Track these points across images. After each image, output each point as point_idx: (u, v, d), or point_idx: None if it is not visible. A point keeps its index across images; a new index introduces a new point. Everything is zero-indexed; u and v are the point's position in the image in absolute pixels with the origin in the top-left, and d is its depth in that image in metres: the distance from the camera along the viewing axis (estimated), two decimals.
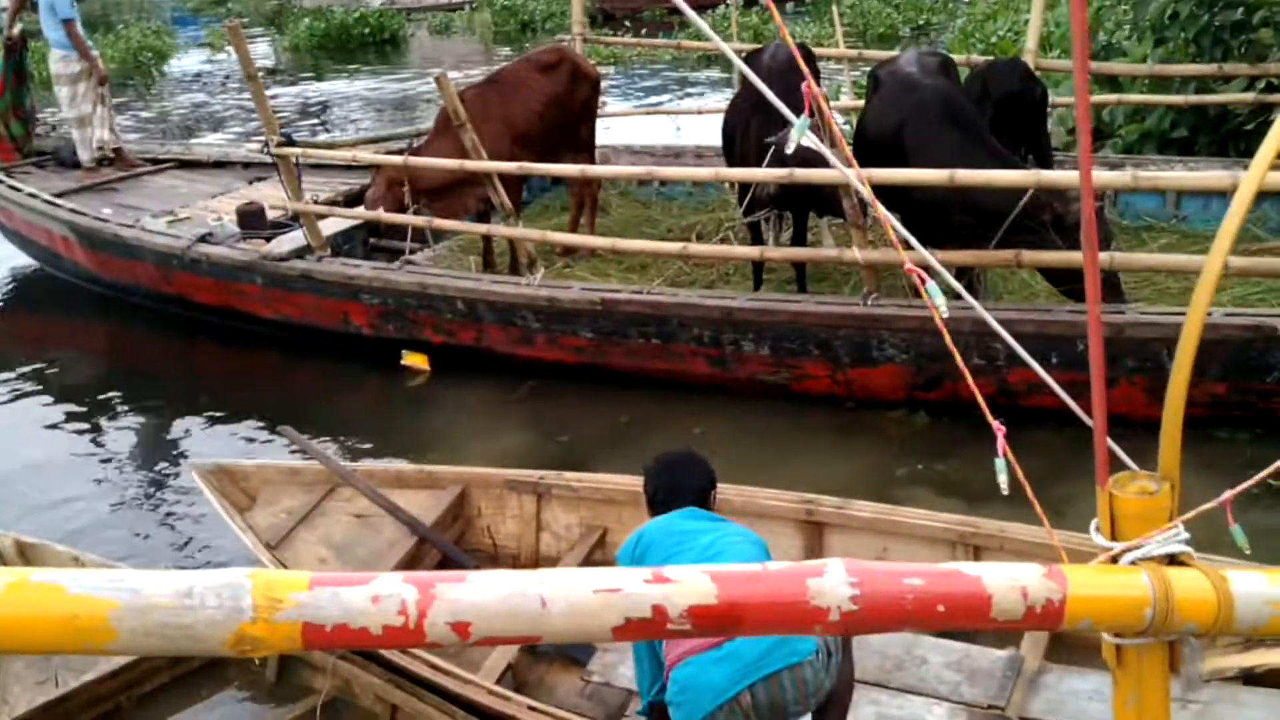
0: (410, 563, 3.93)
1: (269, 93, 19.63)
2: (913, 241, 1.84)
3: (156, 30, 24.93)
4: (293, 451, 4.96)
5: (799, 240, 6.07)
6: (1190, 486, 4.16)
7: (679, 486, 2.95)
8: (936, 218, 5.03)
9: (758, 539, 2.82)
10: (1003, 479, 1.73)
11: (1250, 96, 6.52)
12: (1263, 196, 6.07)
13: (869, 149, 5.39)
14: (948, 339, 1.71)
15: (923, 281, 1.72)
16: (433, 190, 6.50)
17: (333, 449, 5.43)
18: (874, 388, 5.41)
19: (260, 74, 6.41)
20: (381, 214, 6.31)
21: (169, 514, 5.29)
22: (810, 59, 6.22)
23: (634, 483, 3.94)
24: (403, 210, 6.45)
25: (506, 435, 5.70)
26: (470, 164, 5.86)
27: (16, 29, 8.67)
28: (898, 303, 5.28)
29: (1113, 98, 7.19)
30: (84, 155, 8.66)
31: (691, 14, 1.93)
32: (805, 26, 17.15)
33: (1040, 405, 5.08)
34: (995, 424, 1.64)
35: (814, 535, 3.76)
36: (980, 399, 1.67)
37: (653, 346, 5.75)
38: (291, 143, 6.48)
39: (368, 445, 5.75)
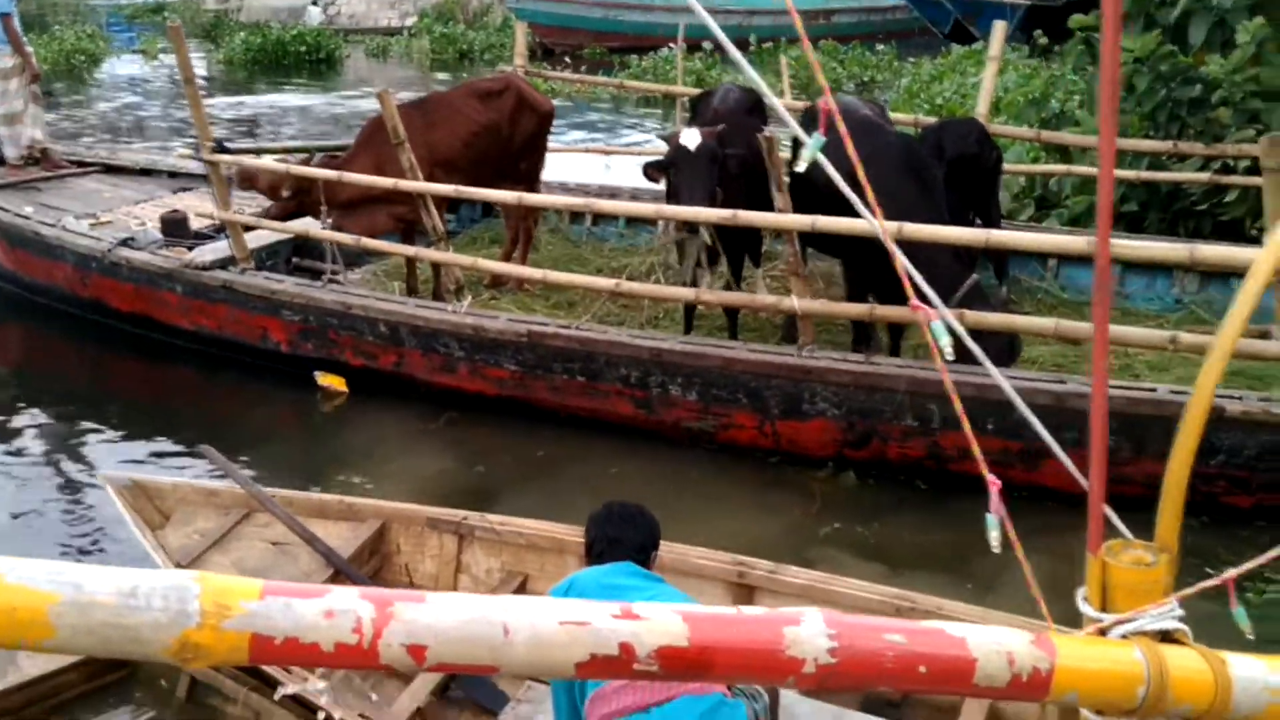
0: None
1: (205, 101, 19.21)
2: (932, 296, 1.74)
3: (91, 34, 24.43)
4: (212, 473, 4.76)
5: (734, 287, 6.01)
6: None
7: (622, 540, 2.83)
8: (876, 266, 5.02)
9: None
10: (994, 535, 1.64)
11: (1205, 176, 6.52)
12: (1211, 278, 6.13)
13: (814, 189, 5.41)
14: (948, 382, 1.62)
15: (928, 319, 1.63)
16: (346, 205, 6.30)
17: (245, 469, 5.21)
18: (802, 441, 5.34)
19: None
20: (310, 229, 6.11)
21: (76, 525, 5.04)
22: (759, 106, 6.24)
23: (558, 530, 3.86)
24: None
25: (421, 464, 5.53)
26: (405, 183, 5.71)
27: None
28: (833, 355, 5.23)
29: (1061, 168, 7.22)
30: (9, 152, 8.39)
31: (735, 53, 1.78)
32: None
33: (967, 471, 5.07)
34: (990, 478, 1.55)
35: (744, 598, 3.66)
36: (978, 454, 1.58)
37: (577, 383, 5.63)
38: (224, 150, 6.26)
39: (279, 467, 5.51)
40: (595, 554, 2.84)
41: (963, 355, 1.80)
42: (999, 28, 6.90)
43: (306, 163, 6.37)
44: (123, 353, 7.03)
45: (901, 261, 1.67)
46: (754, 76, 1.58)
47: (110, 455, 5.71)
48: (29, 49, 8.40)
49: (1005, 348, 5.08)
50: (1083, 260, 6.26)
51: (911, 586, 4.34)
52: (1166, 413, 4.62)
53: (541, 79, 8.34)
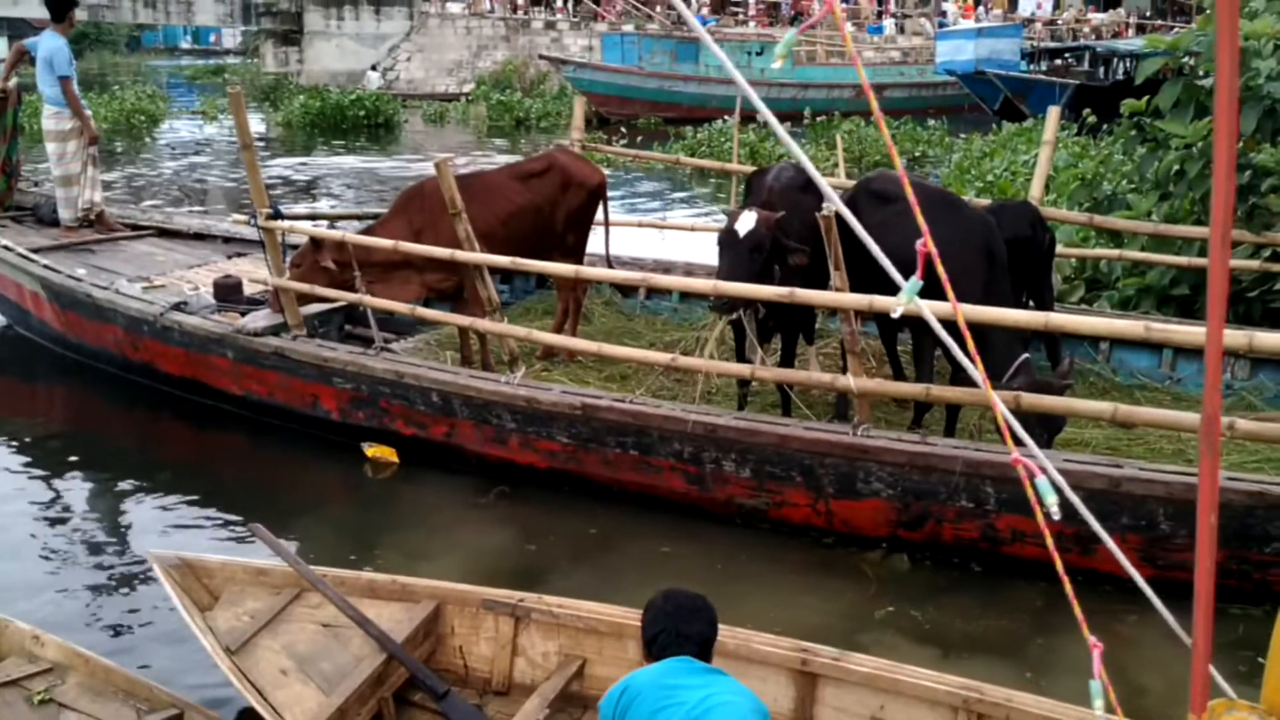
0: (377, 681, 3.66)
1: (262, 164, 19.71)
2: (1017, 429, 1.65)
3: (151, 94, 25.14)
4: (238, 541, 4.70)
5: (787, 364, 5.94)
6: (1166, 664, 3.94)
7: (683, 634, 2.73)
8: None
9: (757, 703, 2.59)
10: (1099, 704, 1.54)
11: (1255, 264, 6.52)
12: (1261, 364, 6.04)
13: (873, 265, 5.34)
14: (1048, 540, 1.53)
15: (1031, 475, 1.55)
16: (379, 271, 6.32)
17: (292, 541, 5.17)
18: (856, 521, 5.22)
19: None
20: (365, 299, 6.13)
21: (125, 599, 4.95)
22: (811, 184, 6.19)
23: (617, 613, 3.75)
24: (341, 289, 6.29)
25: (472, 540, 5.45)
26: (461, 254, 5.73)
27: (12, 82, 8.59)
28: (889, 435, 5.13)
29: (1114, 253, 7.19)
30: (65, 214, 8.51)
31: (780, 130, 1.74)
32: (803, 148, 17.43)
33: (1021, 554, 4.95)
34: (1091, 640, 1.46)
35: (807, 686, 3.53)
36: (1077, 610, 1.49)
37: (630, 457, 5.55)
38: (280, 216, 6.33)
39: (326, 539, 5.48)
40: (657, 647, 2.74)
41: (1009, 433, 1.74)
42: (1053, 113, 6.91)
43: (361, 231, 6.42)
44: (170, 418, 7.07)
45: (952, 345, 1.60)
46: (798, 152, 1.54)
47: (157, 524, 5.67)
48: (88, 112, 8.53)
49: (1051, 428, 5.04)
50: (1135, 344, 6.22)
51: (966, 671, 4.22)
52: (1224, 500, 4.48)
53: (597, 152, 8.39)
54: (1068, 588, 1.64)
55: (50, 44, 8.22)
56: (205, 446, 6.81)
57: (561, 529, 5.53)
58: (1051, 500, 1.51)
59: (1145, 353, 6.35)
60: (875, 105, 1.66)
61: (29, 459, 6.52)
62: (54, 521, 5.76)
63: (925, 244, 1.67)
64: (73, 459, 6.55)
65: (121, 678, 3.68)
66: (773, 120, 1.62)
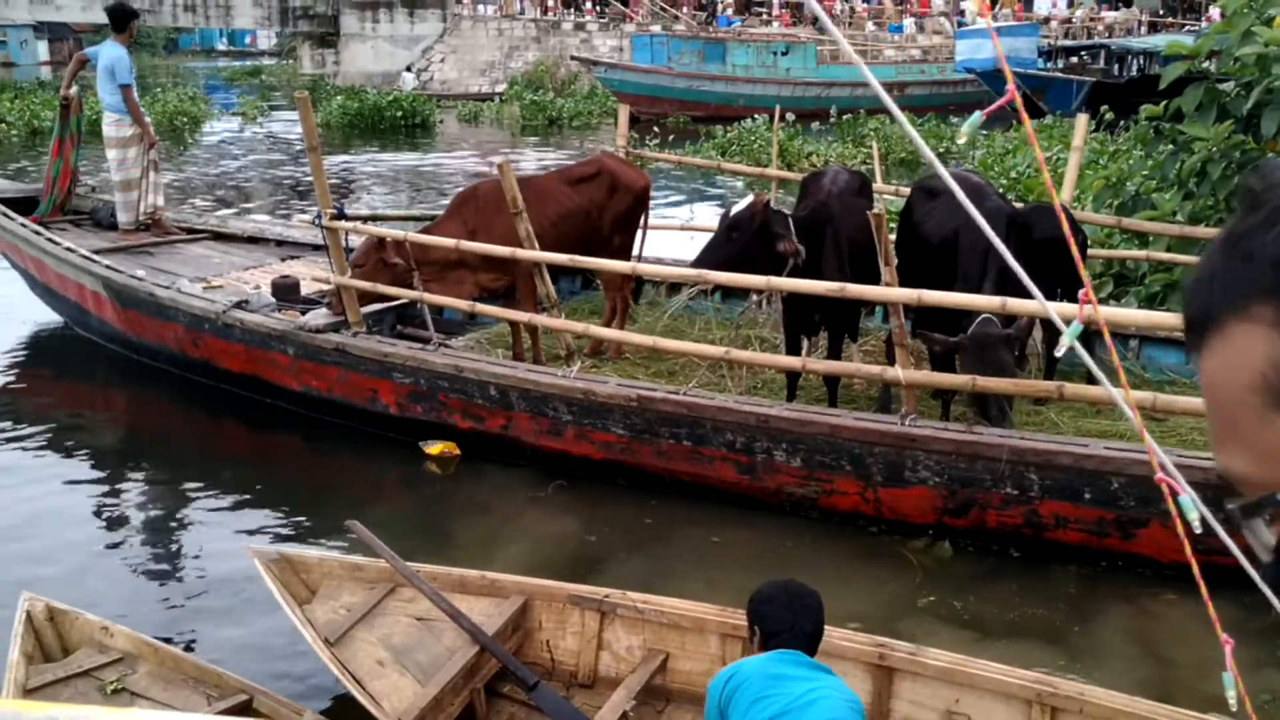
0: (470, 673, 3.81)
1: (299, 164, 20.01)
2: (1155, 447, 1.76)
3: (193, 96, 25.50)
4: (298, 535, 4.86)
5: (834, 358, 6.12)
6: (1207, 651, 4.07)
7: (798, 629, 2.83)
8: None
9: (855, 700, 2.70)
10: (1231, 695, 1.65)
11: None
12: None
13: (923, 250, 5.60)
14: (1188, 549, 1.64)
15: (1174, 494, 1.66)
16: (434, 270, 6.53)
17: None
18: (903, 509, 5.39)
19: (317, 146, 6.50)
20: (425, 295, 6.36)
21: (199, 591, 5.12)
22: (866, 187, 6.42)
23: (700, 609, 3.87)
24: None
25: (532, 533, 5.62)
26: (522, 252, 5.95)
27: (73, 90, 8.83)
28: (935, 425, 5.29)
29: (1141, 254, 7.29)
30: (123, 218, 8.74)
31: (901, 117, 1.85)
32: (830, 146, 17.57)
33: (1064, 540, 5.12)
34: (1223, 637, 1.57)
35: (884, 680, 3.61)
36: (1211, 610, 1.60)
37: (683, 448, 5.74)
38: (344, 216, 6.55)
39: (391, 534, 5.48)
40: (770, 636, 2.83)
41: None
42: (1082, 120, 7.06)
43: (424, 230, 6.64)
44: (229, 416, 7.27)
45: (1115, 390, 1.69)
46: (919, 140, 1.66)
47: (224, 520, 5.84)
48: (147, 119, 8.77)
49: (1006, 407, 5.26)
50: (1163, 342, 6.44)
51: (1010, 658, 4.33)
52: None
53: (641, 158, 8.59)
54: (1203, 589, 1.75)
55: (111, 53, 8.46)
56: (264, 444, 7.02)
57: (617, 519, 5.71)
58: (1194, 516, 1.62)
59: (1173, 349, 6.48)
60: (897, 110, 1.74)
61: (93, 456, 6.74)
62: (120, 519, 5.95)
63: (1087, 293, 1.74)
64: (135, 456, 6.76)
65: (191, 665, 3.81)
66: (896, 110, 1.70)
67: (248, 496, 6.12)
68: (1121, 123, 12.67)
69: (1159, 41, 25.42)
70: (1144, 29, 31.69)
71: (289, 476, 6.51)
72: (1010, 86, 1.56)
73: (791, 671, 2.69)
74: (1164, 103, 7.17)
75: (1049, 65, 25.82)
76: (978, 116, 1.77)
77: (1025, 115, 1.71)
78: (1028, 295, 4.84)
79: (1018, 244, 5.41)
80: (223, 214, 12.48)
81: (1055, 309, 2.07)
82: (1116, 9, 35.37)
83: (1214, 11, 29.98)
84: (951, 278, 5.33)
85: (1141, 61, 24.85)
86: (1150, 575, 4.99)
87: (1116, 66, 25.39)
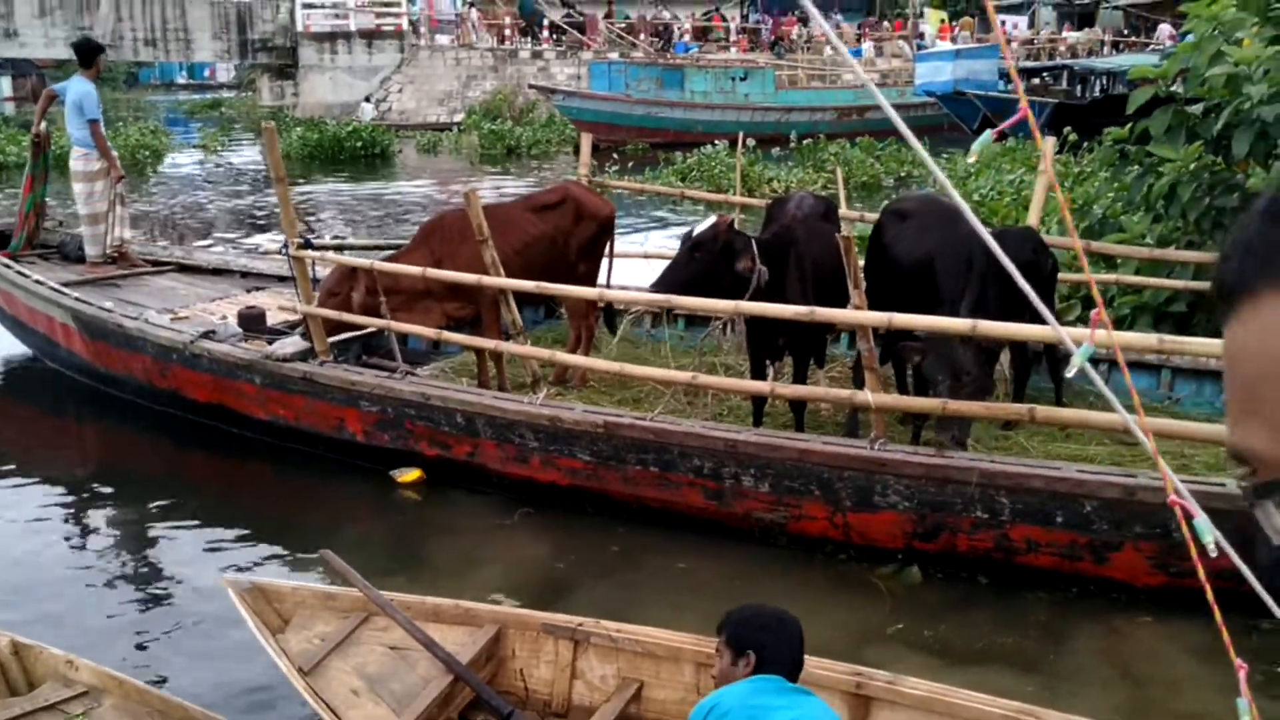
0: (444, 702, 3.78)
1: (262, 195, 19.92)
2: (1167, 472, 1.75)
3: (154, 130, 25.34)
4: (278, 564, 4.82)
5: (799, 383, 6.13)
6: (1182, 676, 4.06)
7: (782, 656, 2.79)
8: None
9: None
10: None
11: None
12: None
13: (894, 274, 5.62)
14: (1201, 573, 1.63)
15: (1188, 516, 1.65)
16: (401, 300, 6.51)
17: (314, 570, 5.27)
18: (872, 534, 5.39)
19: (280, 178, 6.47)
20: (392, 324, 6.33)
21: (170, 622, 5.04)
22: (832, 212, 6.48)
23: (675, 637, 3.86)
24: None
25: (500, 561, 5.57)
26: (488, 280, 5.94)
27: (43, 126, 8.91)
28: (904, 449, 5.31)
29: (1110, 277, 7.32)
30: (91, 251, 8.76)
31: (914, 141, 1.80)
32: (790, 171, 17.71)
33: (1035, 564, 5.13)
34: (1237, 662, 1.56)
35: (861, 710, 3.57)
36: (1225, 636, 1.60)
37: (650, 474, 5.73)
38: (310, 246, 6.52)
39: (358, 563, 5.50)
40: (763, 664, 2.76)
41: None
42: (1049, 144, 7.11)
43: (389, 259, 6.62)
44: (195, 446, 7.22)
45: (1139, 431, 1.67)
46: (934, 168, 1.65)
47: (191, 551, 5.76)
48: (114, 153, 8.81)
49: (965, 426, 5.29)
50: (1134, 366, 6.41)
51: (982, 685, 4.29)
52: (1235, 507, 4.60)
53: (604, 186, 8.62)
54: (1217, 615, 1.74)
55: (80, 88, 8.52)
56: (232, 473, 6.97)
57: (584, 547, 5.68)
58: (1209, 539, 1.61)
59: (1144, 373, 6.52)
60: (909, 132, 1.73)
61: (61, 487, 6.65)
62: (88, 551, 5.86)
63: (1099, 314, 1.71)
64: (103, 487, 6.68)
65: (156, 699, 3.75)
66: (908, 134, 1.69)
67: (217, 526, 6.05)
68: (1085, 144, 12.83)
69: (1122, 62, 25.80)
70: (1107, 49, 32.18)
71: (257, 506, 6.46)
72: (1023, 105, 1.57)
73: (774, 701, 2.63)
74: (1130, 125, 7.23)
75: (1010, 87, 26.20)
76: (988, 136, 1.73)
77: (1037, 134, 1.69)
78: (1004, 318, 4.96)
79: (996, 265, 5.43)
80: (188, 246, 12.41)
81: (1068, 333, 2.07)
82: (1079, 29, 36.01)
83: (1163, 29, 30.65)
84: (925, 301, 5.35)
85: (1105, 82, 25.14)
86: (1123, 599, 4.98)
87: (1079, 87, 25.71)
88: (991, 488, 5.03)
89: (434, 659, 3.82)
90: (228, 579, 4.24)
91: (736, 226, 5.89)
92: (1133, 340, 5.06)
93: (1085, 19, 38.90)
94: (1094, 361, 6.09)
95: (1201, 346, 5.00)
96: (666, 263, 6.05)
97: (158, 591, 5.40)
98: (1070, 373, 1.78)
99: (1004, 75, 26.46)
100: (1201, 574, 1.66)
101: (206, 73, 49.14)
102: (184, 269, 9.15)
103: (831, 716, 2.68)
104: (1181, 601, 4.77)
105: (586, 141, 8.45)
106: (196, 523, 6.10)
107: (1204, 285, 6.78)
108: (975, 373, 5.14)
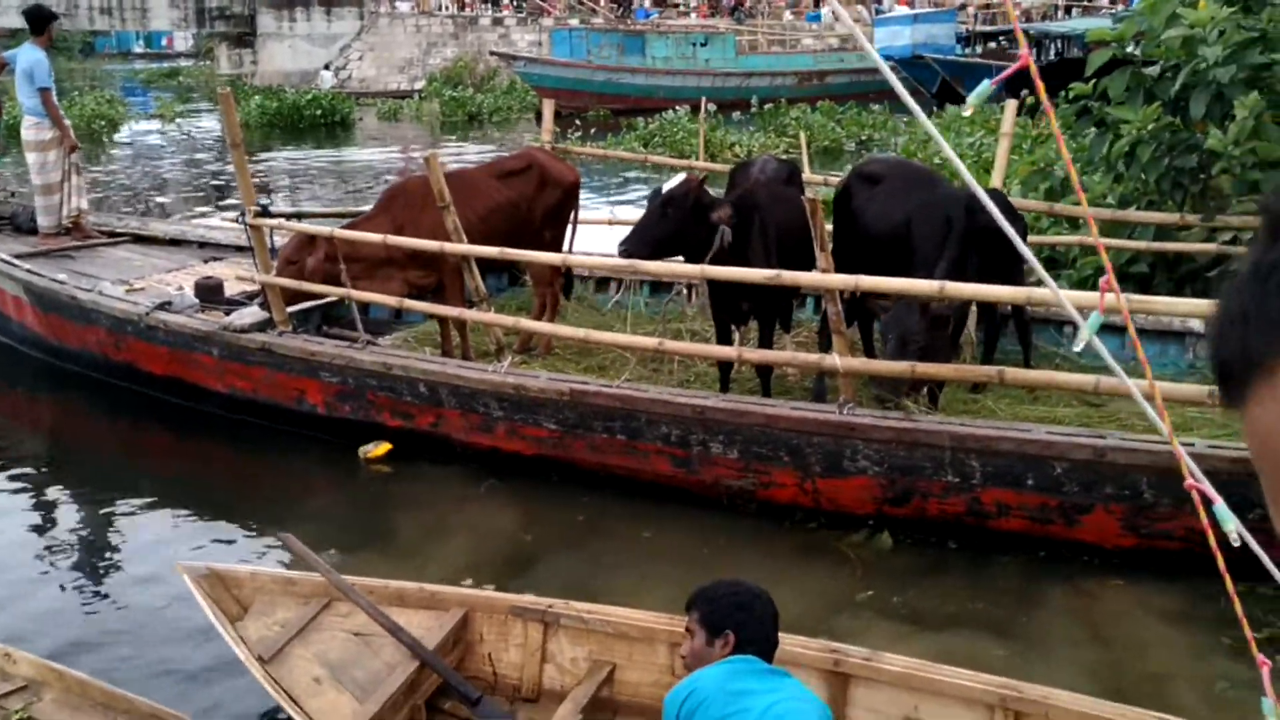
0: (410, 689, 3.67)
1: (222, 164, 19.58)
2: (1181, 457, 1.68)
3: (110, 100, 24.88)
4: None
5: (765, 348, 6.07)
6: (1154, 640, 4.04)
7: (760, 635, 2.71)
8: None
9: (822, 707, 2.60)
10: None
11: (1212, 247, 6.65)
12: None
13: (863, 238, 5.59)
14: (1221, 565, 1.58)
15: (1207, 501, 1.59)
16: (362, 268, 6.37)
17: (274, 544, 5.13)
18: (842, 500, 5.33)
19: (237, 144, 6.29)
20: (353, 293, 6.19)
21: (123, 609, 4.86)
22: (795, 176, 6.41)
23: (647, 618, 3.77)
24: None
25: (468, 535, 5.47)
26: (451, 246, 5.82)
27: None
28: (874, 413, 5.24)
29: (1073, 239, 7.35)
30: (44, 221, 8.55)
31: (909, 100, 1.72)
32: (752, 136, 17.61)
33: (1006, 528, 5.11)
34: (1260, 658, 1.51)
35: (839, 687, 3.49)
36: (1247, 629, 1.54)
37: (617, 442, 5.65)
38: (268, 214, 6.36)
39: (322, 541, 5.24)
40: (743, 645, 2.67)
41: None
42: (1011, 106, 7.10)
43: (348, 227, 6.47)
44: (152, 421, 7.05)
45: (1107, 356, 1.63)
46: (930, 127, 1.59)
47: (148, 533, 5.60)
48: (67, 122, 8.60)
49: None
50: (1100, 328, 6.38)
51: (954, 651, 4.25)
52: (1207, 466, 4.62)
53: (568, 153, 8.50)
54: (1238, 606, 1.68)
55: (30, 56, 8.31)
56: (189, 449, 6.80)
57: (550, 517, 5.61)
58: (1230, 526, 1.55)
59: (1109, 335, 6.52)
60: (915, 105, 1.68)
61: (9, 466, 6.47)
62: (36, 534, 5.67)
63: (1108, 281, 1.66)
64: (55, 465, 6.53)
65: (99, 691, 3.63)
66: (905, 94, 1.61)
67: (172, 506, 5.90)
68: (1041, 106, 12.80)
69: (1077, 25, 25.98)
70: (1061, 12, 32.37)
71: (216, 483, 6.32)
72: (1023, 52, 1.51)
73: (753, 684, 2.55)
74: (1092, 82, 7.23)
75: (967, 51, 26.23)
76: (986, 85, 1.66)
77: (1041, 88, 1.62)
78: (981, 280, 4.93)
79: (971, 229, 5.39)
80: (143, 216, 12.14)
81: (1070, 297, 2.00)
82: None
83: None
84: (897, 264, 5.29)
85: (1060, 45, 25.36)
86: (1094, 562, 4.96)
87: (1035, 50, 25.90)
88: (962, 451, 4.99)
89: (399, 645, 3.71)
90: (183, 565, 4.09)
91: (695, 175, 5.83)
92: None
93: None
94: (1058, 325, 6.04)
95: (1167, 306, 5.00)
96: (631, 229, 5.94)
97: (108, 577, 5.22)
98: (1078, 346, 1.73)
99: (961, 39, 26.49)
100: (1220, 562, 1.60)
101: (164, 42, 48.18)
102: (140, 239, 8.94)
103: (812, 699, 2.62)
104: (1151, 563, 4.82)
105: (549, 108, 8.31)
106: (151, 502, 5.94)
107: (1164, 248, 6.83)
108: (922, 339, 5.09)
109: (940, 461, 5.04)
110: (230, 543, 5.52)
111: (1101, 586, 4.84)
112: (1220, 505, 1.53)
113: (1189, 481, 1.55)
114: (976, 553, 5.12)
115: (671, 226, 5.46)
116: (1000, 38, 27.30)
